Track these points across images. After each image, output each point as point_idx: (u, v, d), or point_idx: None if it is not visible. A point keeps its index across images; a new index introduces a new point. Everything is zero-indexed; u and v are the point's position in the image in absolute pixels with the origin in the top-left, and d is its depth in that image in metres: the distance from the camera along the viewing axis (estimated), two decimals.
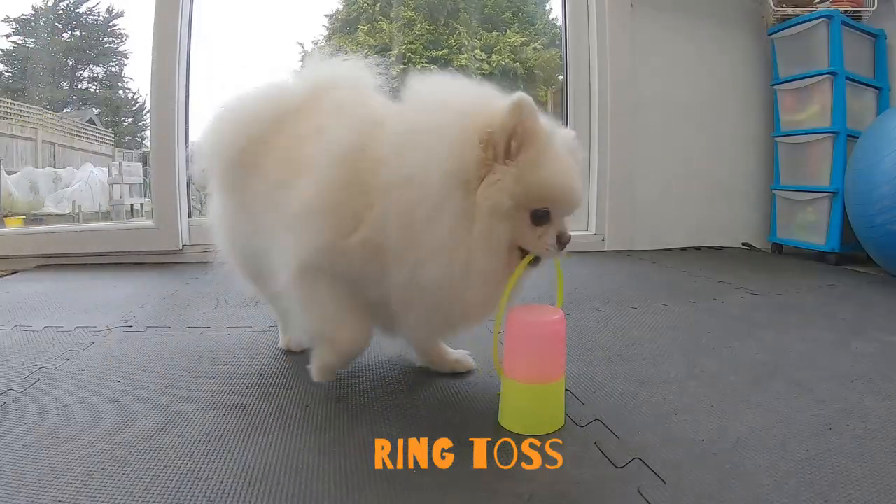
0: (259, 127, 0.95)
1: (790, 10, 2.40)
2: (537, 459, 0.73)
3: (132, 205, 3.39)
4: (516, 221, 0.79)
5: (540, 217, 0.80)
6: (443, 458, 0.73)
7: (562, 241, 0.81)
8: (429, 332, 0.93)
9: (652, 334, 1.27)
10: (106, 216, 3.26)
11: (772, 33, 2.49)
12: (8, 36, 3.19)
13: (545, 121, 0.81)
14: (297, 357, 1.12)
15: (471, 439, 0.76)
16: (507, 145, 0.76)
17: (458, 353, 1.05)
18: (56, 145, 3.36)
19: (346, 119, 0.87)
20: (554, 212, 0.81)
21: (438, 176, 0.76)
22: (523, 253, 0.81)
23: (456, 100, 0.82)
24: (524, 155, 0.77)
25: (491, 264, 0.78)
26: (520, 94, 0.75)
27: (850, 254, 2.17)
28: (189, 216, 2.33)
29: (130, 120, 3.76)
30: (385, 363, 1.08)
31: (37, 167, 3.21)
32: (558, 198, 0.80)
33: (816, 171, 2.32)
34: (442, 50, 4.01)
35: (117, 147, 3.63)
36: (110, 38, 3.44)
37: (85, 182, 3.28)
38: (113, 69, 3.56)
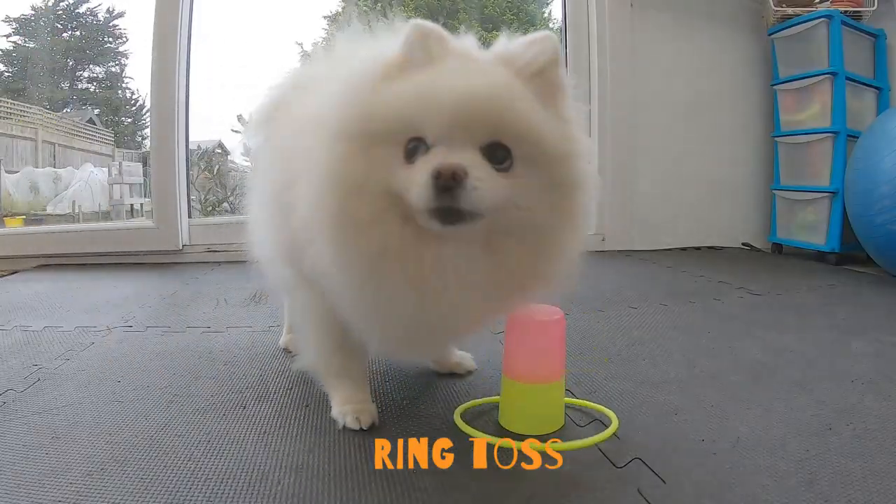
0: (272, 101, 0.92)
1: (790, 10, 2.40)
2: (537, 459, 0.72)
3: (132, 205, 3.39)
4: (386, 161, 0.60)
5: (412, 151, 0.59)
6: (443, 458, 0.72)
7: (437, 175, 0.55)
8: (382, 341, 0.75)
9: (652, 334, 1.27)
10: (106, 216, 3.26)
11: (772, 33, 2.48)
12: (8, 36, 3.19)
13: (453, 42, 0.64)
14: (296, 357, 1.12)
15: (471, 439, 0.76)
16: (396, 67, 0.61)
17: (459, 355, 1.03)
18: (56, 145, 3.36)
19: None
20: (428, 136, 0.58)
21: (329, 109, 0.63)
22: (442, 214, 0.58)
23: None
24: (411, 71, 0.60)
25: (361, 207, 0.59)
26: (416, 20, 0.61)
27: (850, 254, 2.17)
28: (189, 216, 2.33)
29: (130, 120, 3.76)
30: (385, 363, 1.08)
31: (37, 167, 3.21)
32: (428, 112, 0.57)
33: (816, 171, 2.32)
34: None
35: (117, 147, 3.63)
36: (110, 39, 3.44)
37: (85, 182, 3.28)
38: (113, 69, 3.56)
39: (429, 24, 0.62)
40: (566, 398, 0.86)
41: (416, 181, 0.56)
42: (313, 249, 0.65)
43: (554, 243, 0.64)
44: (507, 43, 0.65)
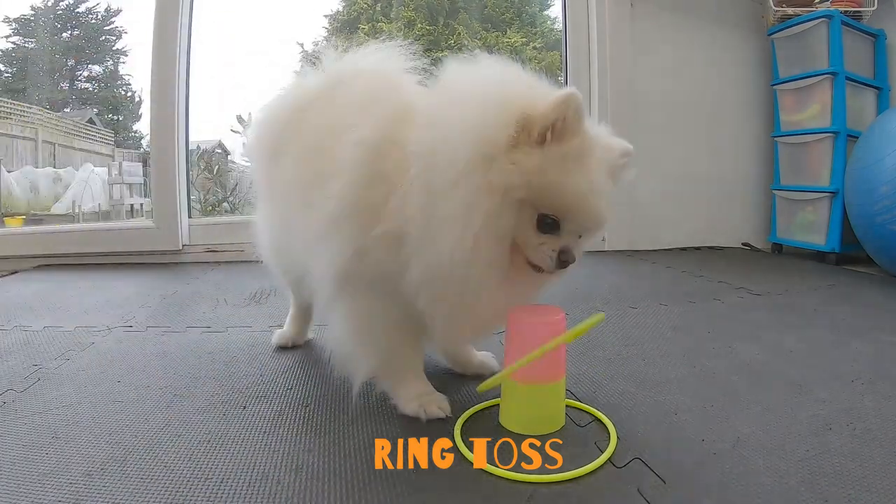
0: (285, 116, 0.97)
1: (790, 10, 2.40)
2: (537, 459, 0.73)
3: (132, 205, 3.39)
4: (523, 217, 0.74)
5: (548, 225, 0.75)
6: (443, 458, 0.73)
7: (562, 257, 0.76)
8: (452, 331, 0.86)
9: (652, 334, 1.27)
10: (106, 216, 3.26)
11: (772, 33, 2.49)
12: (8, 36, 3.19)
13: (593, 125, 0.77)
14: (297, 356, 1.12)
15: (471, 439, 0.77)
16: (542, 134, 0.71)
17: (482, 355, 1.03)
18: (56, 145, 3.36)
19: (373, 112, 0.81)
20: (564, 224, 0.75)
21: (462, 144, 0.71)
22: (532, 265, 0.78)
23: (495, 80, 0.77)
24: (555, 148, 0.71)
25: (494, 250, 0.74)
26: (571, 89, 0.71)
27: (850, 254, 2.17)
28: (189, 216, 2.33)
29: (130, 119, 3.76)
30: None
31: (37, 167, 3.21)
32: (569, 208, 0.74)
33: (816, 171, 2.32)
34: (442, 51, 4.01)
35: (117, 147, 3.63)
36: (109, 37, 3.45)
37: (85, 182, 3.28)
38: (112, 68, 3.56)
39: (578, 95, 0.71)
40: (568, 401, 0.87)
41: (545, 252, 0.76)
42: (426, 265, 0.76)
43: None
44: (604, 130, 0.83)
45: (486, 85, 0.76)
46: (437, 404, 0.85)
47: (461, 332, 0.88)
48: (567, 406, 0.86)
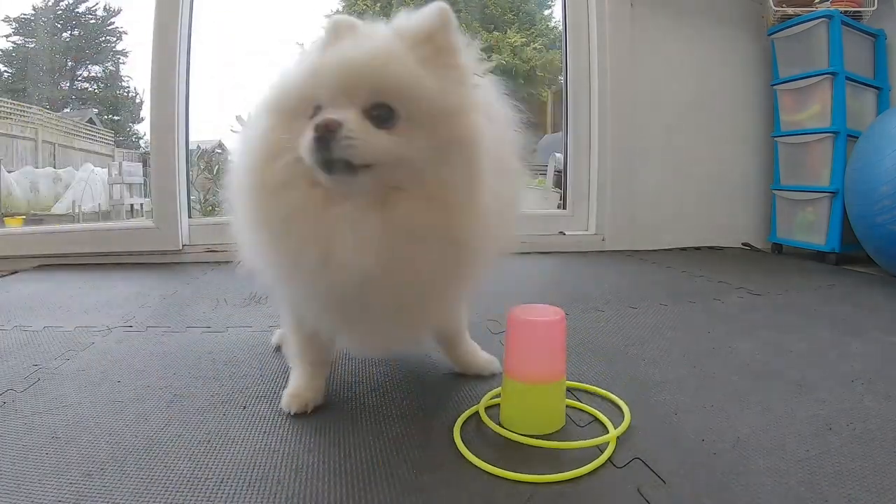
0: None
1: (790, 10, 2.40)
2: (537, 459, 0.73)
3: (132, 205, 3.39)
4: (300, 128, 0.64)
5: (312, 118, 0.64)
6: (443, 458, 0.73)
7: (317, 127, 0.60)
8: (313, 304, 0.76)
9: (652, 334, 1.27)
10: (106, 216, 3.26)
11: (772, 33, 2.49)
12: (8, 36, 3.19)
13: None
14: None
15: (471, 439, 0.77)
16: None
17: (486, 357, 1.01)
18: (56, 145, 3.36)
19: None
20: (320, 99, 0.64)
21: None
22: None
23: None
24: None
25: (273, 173, 0.65)
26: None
27: (850, 254, 2.17)
28: (189, 216, 2.33)
29: (130, 120, 3.76)
30: (386, 364, 1.08)
31: (37, 167, 3.21)
32: (307, 74, 0.65)
33: (816, 171, 2.32)
34: None
35: (117, 147, 3.63)
36: (109, 38, 3.45)
37: (85, 182, 3.29)
38: (111, 68, 3.56)
39: (344, 16, 0.69)
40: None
41: (305, 138, 0.62)
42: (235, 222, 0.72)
43: (447, 199, 0.64)
44: (406, 17, 0.70)
45: None
46: (292, 400, 0.86)
47: (331, 320, 0.77)
48: (567, 406, 0.86)
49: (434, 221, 0.64)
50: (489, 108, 0.71)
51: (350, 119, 0.61)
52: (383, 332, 0.79)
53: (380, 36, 0.67)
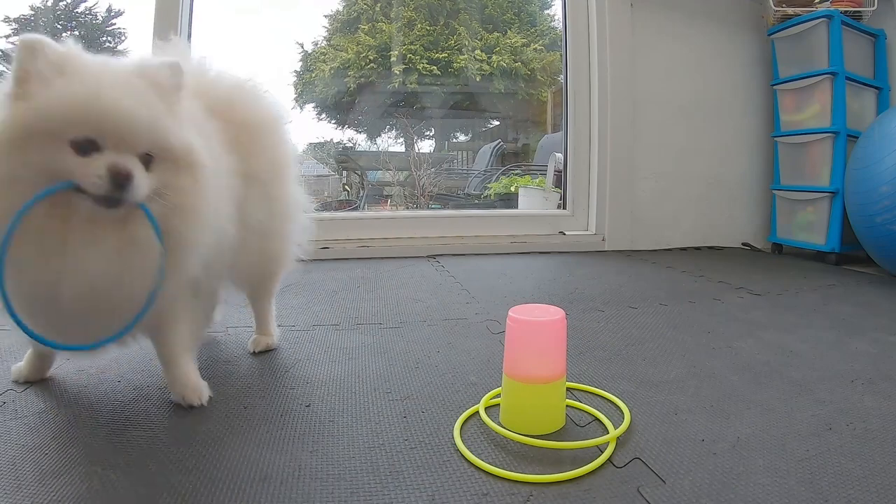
0: None
1: (790, 10, 2.40)
2: (537, 459, 0.73)
3: None
4: (51, 154, 0.68)
5: (84, 148, 0.69)
6: (443, 458, 0.73)
7: (112, 172, 0.69)
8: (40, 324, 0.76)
9: (652, 334, 1.27)
10: None
11: (772, 33, 2.49)
12: (8, 36, 3.19)
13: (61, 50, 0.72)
14: (298, 356, 1.12)
15: (471, 439, 0.77)
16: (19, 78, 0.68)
17: (195, 382, 0.90)
18: None
19: None
20: (103, 142, 0.70)
21: None
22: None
23: None
24: (37, 81, 0.68)
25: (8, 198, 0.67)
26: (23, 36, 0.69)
27: (850, 254, 2.17)
28: None
29: None
30: (386, 365, 1.08)
31: None
32: (83, 116, 0.69)
33: (816, 171, 2.32)
34: (442, 52, 4.01)
35: None
36: (109, 38, 3.45)
37: None
38: None
39: (33, 37, 0.70)
40: (568, 401, 0.87)
41: (94, 173, 0.69)
42: None
43: (180, 205, 0.78)
44: (142, 61, 0.78)
45: None
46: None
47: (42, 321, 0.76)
48: (567, 406, 0.86)
49: (167, 226, 0.76)
50: (199, 126, 0.85)
51: (138, 167, 0.72)
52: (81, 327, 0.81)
53: (137, 83, 0.74)
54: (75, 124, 0.69)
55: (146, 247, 0.75)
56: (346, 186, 4.77)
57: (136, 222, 0.74)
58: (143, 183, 0.72)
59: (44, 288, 0.71)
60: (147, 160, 0.74)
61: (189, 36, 2.28)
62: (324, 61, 4.38)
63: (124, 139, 0.71)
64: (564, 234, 2.51)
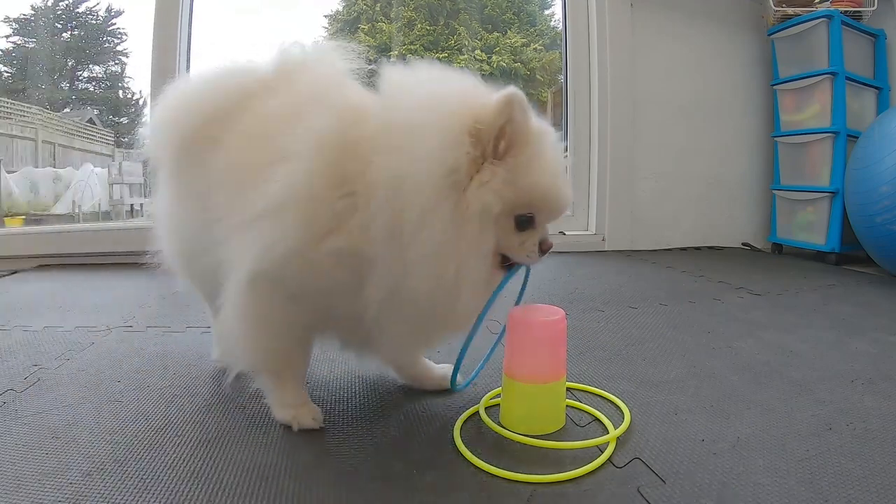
0: (222, 101, 0.86)
1: (790, 10, 2.40)
2: (537, 459, 0.73)
3: (132, 205, 3.39)
4: (502, 226, 0.74)
5: (524, 222, 0.76)
6: (443, 458, 0.73)
7: (543, 248, 0.78)
8: (408, 347, 0.86)
9: (652, 334, 1.27)
10: (106, 216, 3.26)
11: (772, 33, 2.49)
12: (8, 36, 3.19)
13: (536, 118, 0.76)
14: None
15: (471, 439, 0.77)
16: (495, 144, 0.71)
17: (443, 368, 0.96)
18: (56, 145, 3.36)
19: (327, 105, 0.77)
20: (539, 217, 0.77)
21: (429, 176, 0.69)
22: (504, 259, 0.78)
23: (442, 93, 0.75)
24: (514, 155, 0.72)
25: (480, 271, 0.74)
26: (510, 89, 0.70)
27: (850, 254, 2.17)
28: None
29: (129, 120, 3.76)
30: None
31: (37, 167, 3.21)
32: (547, 202, 0.76)
33: (816, 171, 2.32)
34: (442, 52, 4.01)
35: (117, 147, 3.63)
36: (109, 38, 3.45)
37: (85, 182, 3.28)
38: (113, 69, 3.56)
39: (519, 93, 0.71)
40: (568, 401, 0.87)
41: (529, 249, 0.77)
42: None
43: None
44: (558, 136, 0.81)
45: (434, 100, 0.74)
46: (312, 416, 0.82)
47: (419, 346, 0.88)
48: (567, 406, 0.86)
49: None
50: None
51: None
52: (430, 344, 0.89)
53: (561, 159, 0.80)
54: (537, 205, 0.75)
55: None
56: None
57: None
58: None
59: (462, 321, 0.78)
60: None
61: (189, 36, 2.28)
62: None
63: (556, 215, 0.80)
64: (564, 234, 2.51)
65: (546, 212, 0.77)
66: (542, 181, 0.74)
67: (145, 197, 3.31)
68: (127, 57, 3.49)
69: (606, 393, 0.93)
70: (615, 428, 0.80)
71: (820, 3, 2.38)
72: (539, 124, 0.76)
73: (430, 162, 0.69)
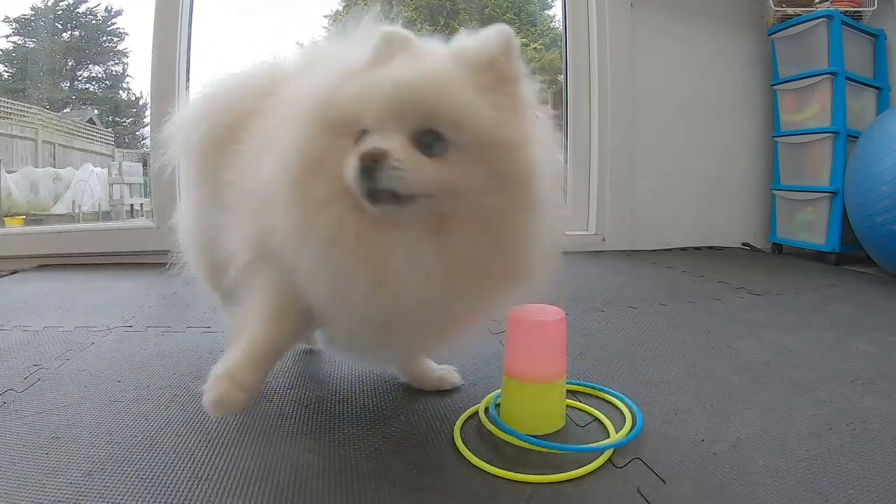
0: (248, 101, 0.82)
1: (790, 10, 2.40)
2: (537, 459, 0.73)
3: (132, 205, 3.39)
4: (339, 147, 0.63)
5: (359, 141, 0.62)
6: (443, 458, 0.73)
7: (362, 159, 0.58)
8: (343, 321, 0.71)
9: (652, 334, 1.27)
10: (106, 216, 3.27)
11: (772, 33, 2.49)
12: (8, 36, 3.19)
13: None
14: (297, 356, 1.12)
15: (470, 439, 0.77)
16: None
17: (442, 369, 0.95)
18: (56, 145, 3.36)
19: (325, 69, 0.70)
20: (370, 127, 0.61)
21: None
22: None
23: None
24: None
25: (307, 183, 0.62)
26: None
27: (850, 254, 2.17)
28: None
29: (130, 120, 3.76)
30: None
31: (37, 167, 3.21)
32: (353, 107, 0.62)
33: (816, 171, 2.32)
34: None
35: (117, 147, 3.63)
36: (109, 38, 3.45)
37: (85, 182, 3.29)
38: (112, 68, 3.56)
39: (397, 29, 0.66)
40: (568, 401, 0.87)
41: (350, 165, 0.60)
42: (277, 230, 0.66)
43: (508, 233, 0.63)
44: (466, 38, 0.66)
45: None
46: (229, 394, 0.67)
47: (357, 334, 0.72)
48: (567, 406, 0.86)
49: (500, 259, 0.63)
50: (545, 142, 0.67)
51: (397, 147, 0.58)
52: (401, 348, 0.78)
53: (436, 57, 0.64)
54: (348, 111, 0.63)
55: (474, 268, 0.62)
56: None
57: (453, 231, 0.61)
58: (408, 168, 0.58)
59: (362, 299, 0.63)
60: (431, 144, 0.60)
61: (189, 36, 2.28)
62: None
63: (388, 114, 0.60)
64: (564, 234, 2.51)
65: (363, 110, 0.62)
66: (363, 77, 0.64)
67: (145, 197, 3.31)
68: (127, 57, 3.49)
69: (609, 396, 0.92)
70: (615, 429, 0.80)
71: (820, 3, 2.38)
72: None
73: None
